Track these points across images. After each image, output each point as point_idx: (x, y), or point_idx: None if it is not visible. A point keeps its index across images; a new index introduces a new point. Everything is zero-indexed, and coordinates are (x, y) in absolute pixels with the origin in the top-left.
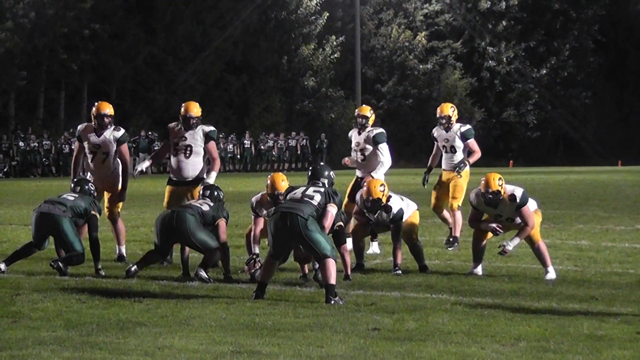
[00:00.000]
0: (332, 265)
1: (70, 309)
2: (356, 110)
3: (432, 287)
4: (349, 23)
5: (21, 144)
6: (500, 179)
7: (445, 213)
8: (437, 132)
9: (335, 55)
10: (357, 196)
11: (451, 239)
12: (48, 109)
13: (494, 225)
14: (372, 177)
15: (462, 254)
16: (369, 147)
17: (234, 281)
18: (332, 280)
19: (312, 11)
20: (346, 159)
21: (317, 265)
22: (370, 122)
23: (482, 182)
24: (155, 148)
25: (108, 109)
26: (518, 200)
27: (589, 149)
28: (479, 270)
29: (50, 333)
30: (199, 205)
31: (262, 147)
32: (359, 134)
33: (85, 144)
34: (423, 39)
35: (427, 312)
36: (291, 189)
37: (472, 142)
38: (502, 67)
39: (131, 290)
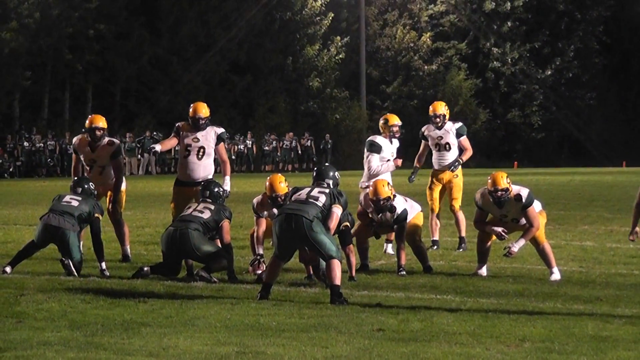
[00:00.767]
0: (337, 267)
1: (75, 310)
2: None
3: (437, 288)
4: (353, 24)
5: (26, 144)
6: (507, 177)
7: (435, 219)
8: (428, 130)
9: (340, 56)
10: (361, 197)
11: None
12: (52, 109)
13: (499, 229)
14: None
15: (467, 255)
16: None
17: (238, 282)
18: (337, 281)
19: (317, 12)
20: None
21: (323, 265)
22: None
23: (489, 180)
24: None
25: (101, 122)
26: (524, 201)
27: (594, 150)
28: (483, 271)
29: (55, 333)
30: (199, 214)
31: (265, 147)
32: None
33: (82, 157)
34: (428, 39)
35: (431, 312)
36: (296, 189)
37: (465, 140)
38: (506, 68)
39: (136, 291)
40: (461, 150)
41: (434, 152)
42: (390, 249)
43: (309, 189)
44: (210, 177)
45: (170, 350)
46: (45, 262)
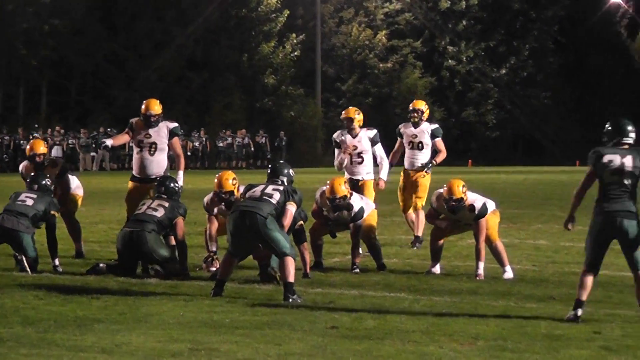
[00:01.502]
0: (291, 264)
1: (28, 306)
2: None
3: (391, 286)
4: (309, 21)
5: None
6: (464, 186)
7: (411, 214)
8: (404, 127)
9: (296, 53)
10: (317, 195)
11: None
12: (6, 104)
13: (447, 223)
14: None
15: (421, 253)
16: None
17: (192, 278)
18: (291, 278)
19: (273, 9)
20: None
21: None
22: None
23: (445, 188)
24: None
25: (42, 147)
26: (476, 212)
27: (548, 149)
28: (437, 269)
29: (7, 330)
30: (153, 213)
31: (220, 144)
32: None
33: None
34: (383, 37)
35: (385, 310)
36: (250, 186)
37: (439, 141)
38: (462, 67)
39: (89, 287)
40: (434, 151)
41: (407, 150)
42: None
43: (263, 186)
44: (163, 172)
45: (123, 346)
46: None
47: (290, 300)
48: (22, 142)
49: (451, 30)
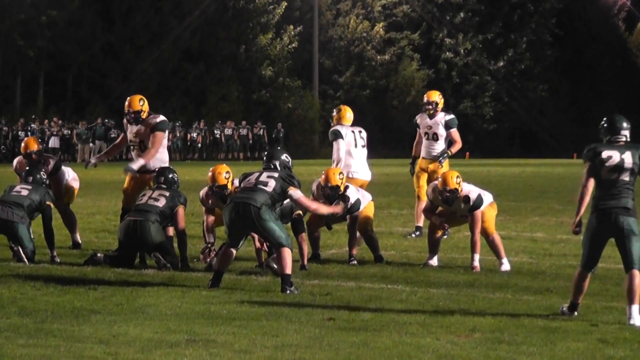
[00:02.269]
0: (287, 255)
1: (25, 296)
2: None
3: (388, 278)
4: (307, 13)
5: None
6: (458, 177)
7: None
8: (420, 118)
9: (293, 45)
10: (314, 186)
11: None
12: (3, 95)
13: (440, 220)
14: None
15: (418, 245)
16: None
17: (189, 269)
18: (288, 269)
19: (270, 0)
20: None
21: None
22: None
23: (440, 179)
24: (112, 136)
25: (35, 145)
26: (471, 203)
27: (545, 141)
28: (434, 261)
29: (4, 320)
30: (155, 203)
31: (217, 135)
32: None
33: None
34: (381, 29)
35: (382, 302)
36: (245, 175)
37: (454, 132)
38: (459, 59)
39: (86, 278)
40: (450, 142)
41: (423, 140)
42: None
43: (257, 174)
44: (164, 164)
45: (120, 337)
46: None
47: (288, 291)
48: (20, 133)
49: (449, 22)
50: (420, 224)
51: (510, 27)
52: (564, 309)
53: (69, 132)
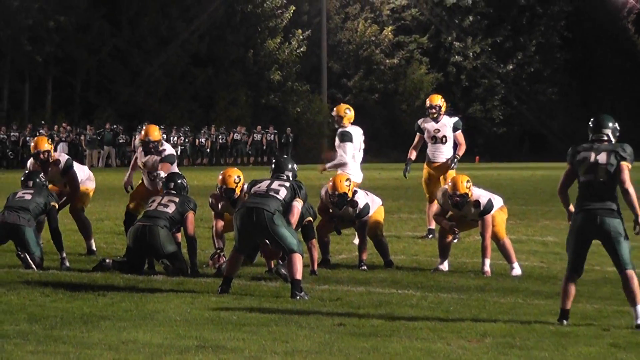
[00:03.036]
0: (298, 260)
1: (34, 303)
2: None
3: (398, 283)
4: (315, 17)
5: None
6: (468, 181)
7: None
8: (424, 122)
9: (302, 49)
10: (322, 192)
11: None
12: (12, 100)
13: (450, 224)
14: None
15: (428, 250)
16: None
17: (199, 275)
18: (298, 275)
19: (279, 4)
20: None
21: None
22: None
23: (450, 183)
24: (120, 141)
25: (46, 143)
26: (481, 208)
27: (555, 144)
28: (444, 266)
29: (14, 327)
30: (164, 209)
31: (222, 140)
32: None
33: None
34: (389, 33)
35: (392, 307)
36: (255, 182)
37: (459, 134)
38: (468, 62)
39: (95, 284)
40: (455, 144)
41: (429, 144)
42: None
43: (268, 181)
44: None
45: (130, 344)
46: (3, 254)
47: (297, 297)
48: (28, 138)
49: (457, 25)
50: (432, 226)
51: (519, 30)
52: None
53: (77, 137)
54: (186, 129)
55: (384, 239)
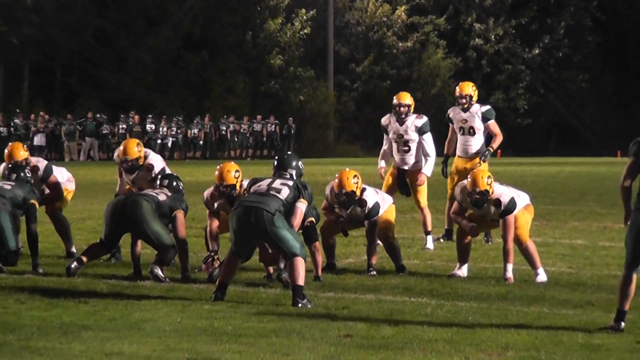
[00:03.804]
0: (300, 265)
1: (8, 311)
2: (395, 98)
3: (411, 290)
4: None
5: None
6: (489, 177)
7: None
8: (453, 112)
9: (305, 31)
10: (327, 190)
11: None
12: None
13: (470, 225)
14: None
15: (444, 254)
16: (414, 138)
17: (191, 281)
18: (301, 281)
19: None
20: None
21: (282, 264)
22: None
23: (469, 179)
24: (104, 132)
25: (22, 151)
26: (502, 207)
27: (586, 137)
28: (463, 271)
29: None
30: (155, 194)
31: (223, 131)
32: (401, 124)
33: None
34: (403, 14)
35: (404, 317)
36: (255, 180)
37: (493, 124)
38: (490, 46)
39: (76, 290)
40: (489, 136)
41: (458, 136)
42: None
43: (269, 180)
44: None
45: (114, 356)
46: None
47: (300, 305)
48: (1, 129)
49: (478, 5)
50: (452, 227)
51: (546, 10)
52: (612, 325)
53: (57, 127)
54: (179, 118)
55: (395, 242)
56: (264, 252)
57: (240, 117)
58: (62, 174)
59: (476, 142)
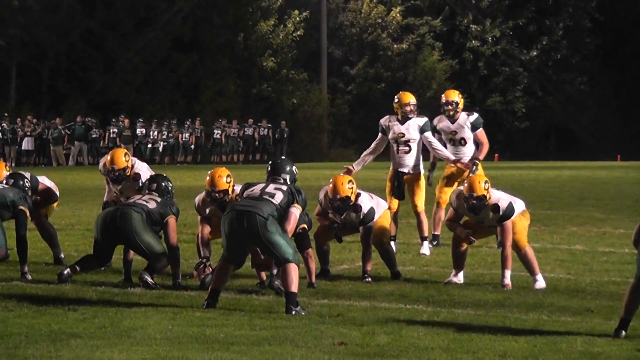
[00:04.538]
0: (293, 271)
1: None
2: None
3: (406, 297)
4: None
5: None
6: (486, 182)
7: (442, 213)
8: (440, 122)
9: (298, 33)
10: (321, 195)
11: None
12: None
13: (466, 232)
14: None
15: (440, 260)
16: (416, 137)
17: (182, 288)
18: (294, 287)
19: None
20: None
21: (275, 271)
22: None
23: (466, 184)
24: (93, 136)
25: (3, 171)
26: (501, 212)
27: (585, 141)
28: (459, 277)
29: None
30: (144, 202)
31: (217, 135)
32: (402, 124)
33: None
34: (398, 15)
35: (400, 324)
36: (248, 185)
37: (481, 133)
38: (486, 48)
39: (65, 297)
40: (477, 144)
41: (448, 146)
42: (426, 248)
43: (263, 184)
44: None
45: None
46: None
47: (293, 312)
48: None
49: (474, 6)
50: (438, 232)
51: (544, 11)
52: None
53: (45, 131)
54: (173, 122)
55: (390, 248)
56: (256, 258)
57: (230, 120)
58: (43, 183)
59: (468, 149)
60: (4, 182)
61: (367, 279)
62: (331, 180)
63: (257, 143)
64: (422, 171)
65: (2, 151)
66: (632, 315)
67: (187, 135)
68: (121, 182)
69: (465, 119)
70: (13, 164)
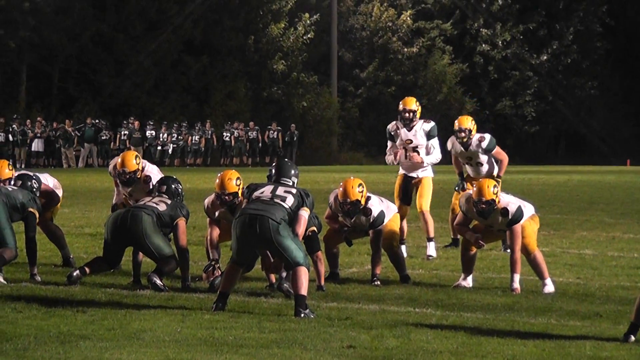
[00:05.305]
0: (304, 275)
1: (5, 320)
2: (400, 103)
3: (415, 300)
4: None
5: None
6: (495, 186)
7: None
8: (454, 147)
9: (309, 36)
10: (331, 198)
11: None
12: None
13: (475, 236)
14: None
15: (450, 264)
16: (423, 142)
17: (191, 290)
18: (303, 291)
19: None
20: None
21: (284, 273)
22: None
23: (475, 188)
24: (103, 138)
25: (6, 169)
26: (510, 216)
27: (595, 145)
28: (468, 281)
29: None
30: (155, 205)
31: (227, 138)
32: (409, 129)
33: None
34: (408, 18)
35: (409, 328)
36: (255, 186)
37: (496, 152)
38: (497, 52)
39: (74, 299)
40: (496, 160)
41: (466, 166)
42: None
43: (272, 186)
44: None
45: None
46: None
47: (302, 315)
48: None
49: (485, 10)
50: (458, 236)
51: (555, 16)
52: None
53: (54, 133)
54: (182, 124)
55: (400, 251)
56: (267, 261)
57: (241, 123)
58: (46, 181)
59: (487, 168)
60: (12, 183)
61: (376, 283)
62: (341, 183)
63: (260, 145)
64: (432, 174)
65: (12, 152)
66: None
67: (197, 137)
68: (131, 185)
69: (478, 144)
70: (23, 165)
